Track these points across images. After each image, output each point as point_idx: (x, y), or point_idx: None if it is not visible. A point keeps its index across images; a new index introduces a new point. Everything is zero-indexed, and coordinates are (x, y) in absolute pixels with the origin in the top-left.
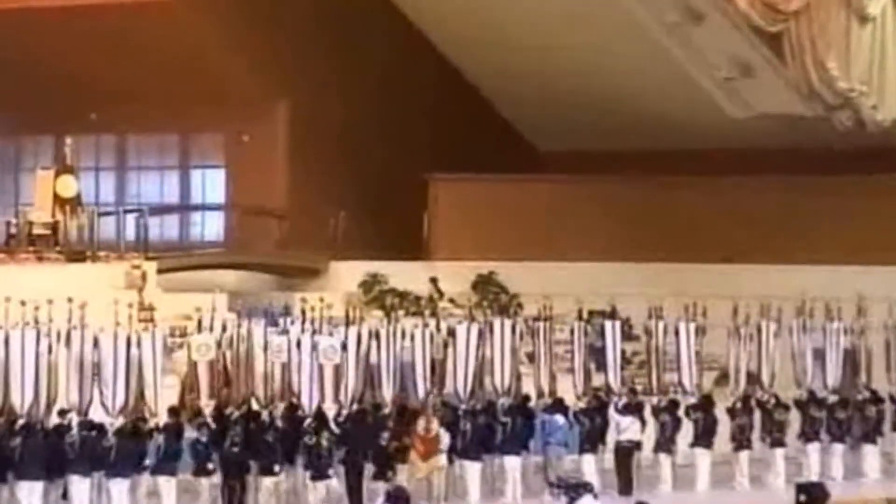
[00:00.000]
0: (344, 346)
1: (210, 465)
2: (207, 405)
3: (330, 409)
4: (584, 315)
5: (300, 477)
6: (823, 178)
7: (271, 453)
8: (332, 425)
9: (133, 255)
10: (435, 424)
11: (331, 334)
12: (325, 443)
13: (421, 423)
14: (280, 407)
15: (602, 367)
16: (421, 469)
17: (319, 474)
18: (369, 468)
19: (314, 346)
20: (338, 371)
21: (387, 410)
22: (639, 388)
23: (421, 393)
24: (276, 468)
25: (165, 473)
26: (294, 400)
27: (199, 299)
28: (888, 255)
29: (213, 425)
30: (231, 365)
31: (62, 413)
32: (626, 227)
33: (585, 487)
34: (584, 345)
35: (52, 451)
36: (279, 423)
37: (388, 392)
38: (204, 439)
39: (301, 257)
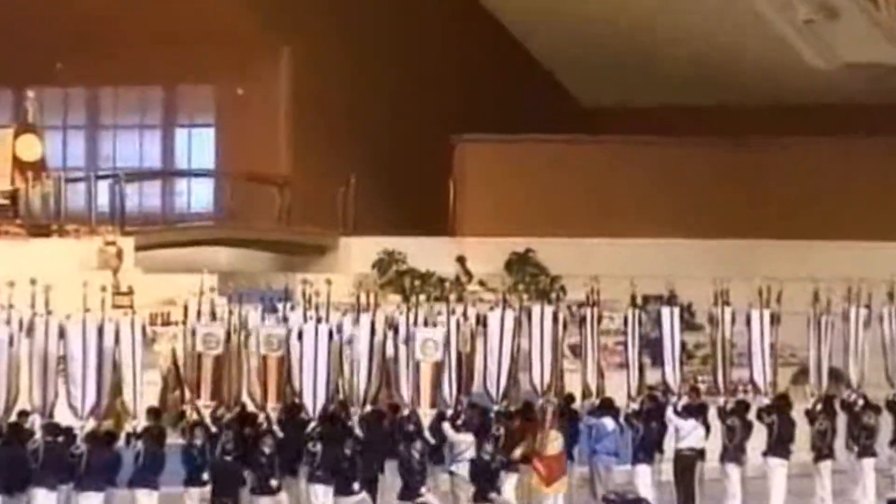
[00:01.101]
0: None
1: (205, 475)
2: (208, 406)
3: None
4: (638, 300)
5: (303, 492)
6: None
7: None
8: (357, 430)
9: (107, 229)
10: (556, 441)
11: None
12: (348, 451)
13: (537, 439)
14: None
15: (659, 361)
16: (545, 494)
17: (345, 489)
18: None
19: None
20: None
21: (406, 412)
22: (702, 386)
23: (445, 392)
24: (274, 483)
25: (145, 486)
26: (296, 400)
27: (184, 281)
28: None
29: (210, 429)
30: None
31: (23, 415)
32: (688, 197)
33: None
34: (637, 336)
35: (11, 460)
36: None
37: (406, 391)
38: (198, 442)
39: (305, 232)
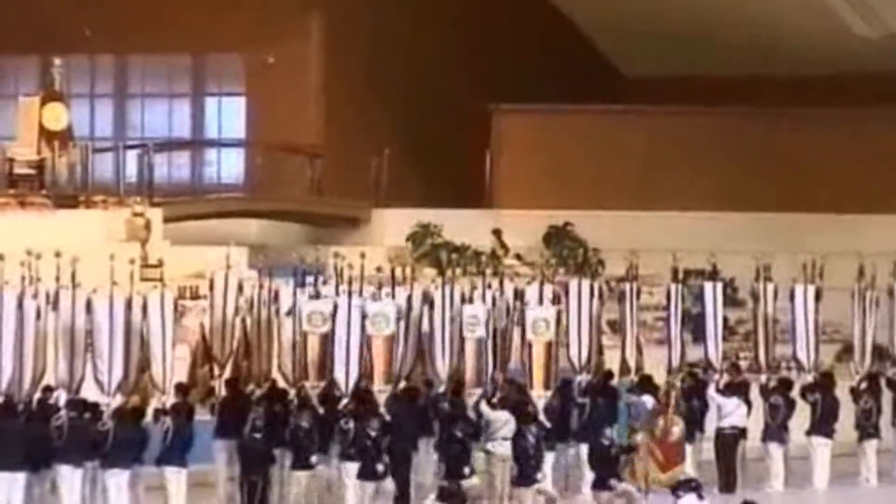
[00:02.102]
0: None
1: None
2: (316, 387)
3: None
4: (679, 275)
5: (335, 470)
6: None
7: (304, 441)
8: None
9: (135, 200)
10: (678, 427)
11: (374, 298)
12: (373, 431)
13: (660, 424)
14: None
15: (700, 338)
16: (660, 482)
17: (366, 471)
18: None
19: (363, 314)
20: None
21: (441, 389)
22: (744, 363)
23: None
24: (314, 459)
25: (173, 464)
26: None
27: (213, 253)
28: None
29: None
30: (251, 333)
31: (48, 391)
32: (731, 170)
33: (689, 484)
34: (678, 311)
35: (35, 436)
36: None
37: (442, 367)
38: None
39: (337, 204)
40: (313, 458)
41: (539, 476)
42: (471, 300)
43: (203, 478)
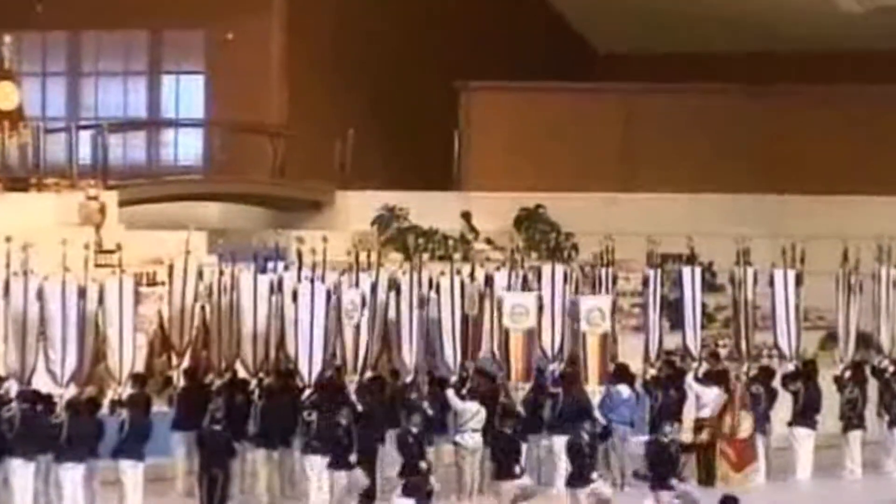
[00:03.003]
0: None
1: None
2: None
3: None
4: (656, 259)
5: (297, 463)
6: None
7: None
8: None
9: (89, 182)
10: (748, 422)
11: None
12: (343, 421)
13: (727, 420)
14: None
15: (678, 325)
16: (733, 482)
17: (338, 461)
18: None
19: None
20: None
21: (408, 379)
22: (723, 351)
23: (449, 357)
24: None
25: (130, 457)
26: (290, 366)
27: (171, 238)
28: None
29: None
30: (211, 321)
31: None
32: (709, 149)
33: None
34: (656, 297)
35: None
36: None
37: (409, 356)
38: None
39: (300, 187)
40: (352, 458)
41: (517, 470)
42: (439, 287)
43: (161, 472)
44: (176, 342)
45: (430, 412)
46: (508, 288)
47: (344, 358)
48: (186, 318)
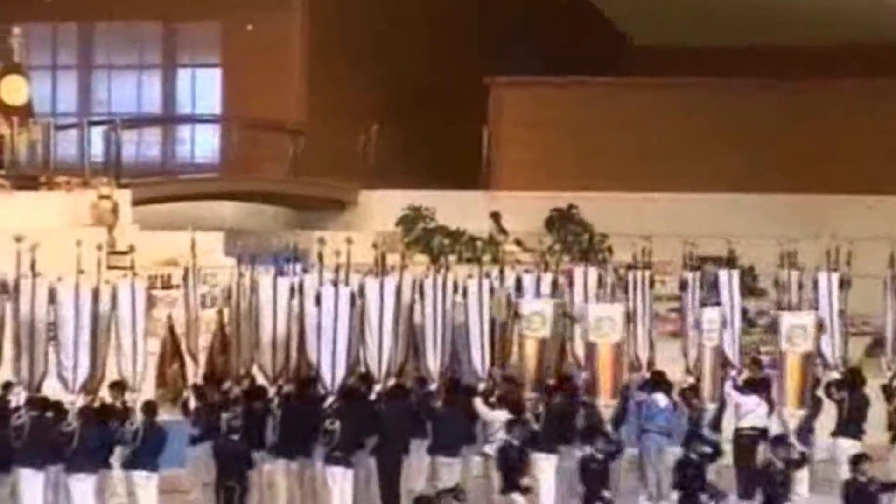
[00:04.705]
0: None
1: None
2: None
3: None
4: (694, 262)
5: (319, 473)
6: None
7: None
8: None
9: (101, 181)
10: None
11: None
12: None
13: None
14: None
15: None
16: None
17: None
18: None
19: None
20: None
21: (433, 387)
22: (765, 358)
23: (477, 364)
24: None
25: (144, 468)
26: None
27: (186, 239)
28: None
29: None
30: (229, 326)
31: (6, 387)
32: (750, 147)
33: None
34: (694, 302)
35: None
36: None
37: (433, 363)
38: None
39: (321, 185)
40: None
41: (526, 481)
42: (466, 291)
43: (175, 482)
44: (192, 348)
45: (534, 425)
46: (537, 292)
47: (367, 364)
48: (198, 323)
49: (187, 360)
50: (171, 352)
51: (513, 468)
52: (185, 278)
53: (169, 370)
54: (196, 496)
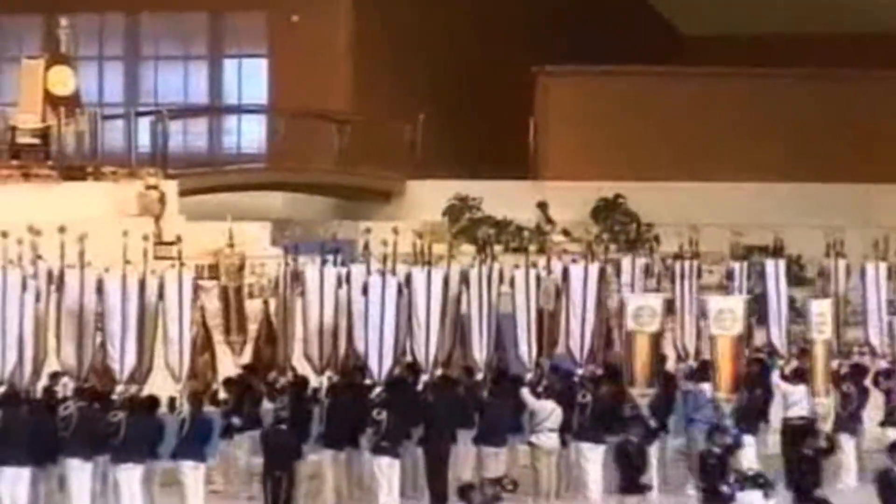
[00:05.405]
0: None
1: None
2: None
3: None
4: (741, 251)
5: (366, 464)
6: None
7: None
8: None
9: (148, 171)
10: None
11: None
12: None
13: None
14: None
15: (763, 320)
16: None
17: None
18: None
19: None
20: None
21: (480, 377)
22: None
23: (524, 354)
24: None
25: (190, 458)
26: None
27: (233, 230)
28: None
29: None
30: (276, 316)
31: (54, 378)
32: (798, 136)
33: (755, 480)
34: (743, 291)
35: (40, 428)
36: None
37: (479, 353)
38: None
39: (368, 175)
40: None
41: (645, 480)
42: (513, 280)
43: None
44: (234, 339)
45: (651, 422)
46: (584, 282)
47: (414, 354)
48: (239, 313)
49: (218, 351)
50: (203, 343)
51: (632, 466)
52: (217, 271)
53: (199, 360)
54: (224, 487)
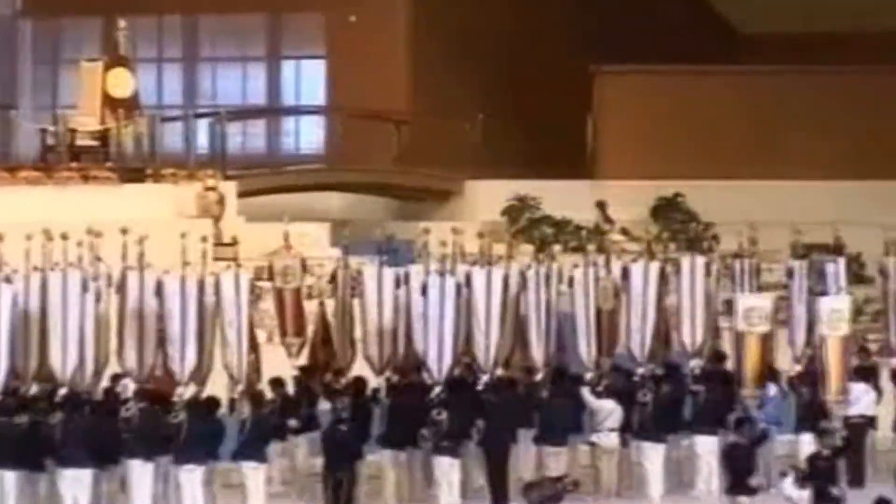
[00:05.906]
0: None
1: None
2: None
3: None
4: (800, 250)
5: (427, 463)
6: None
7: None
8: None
9: (207, 173)
10: None
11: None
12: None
13: None
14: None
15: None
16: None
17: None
18: None
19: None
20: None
21: (539, 377)
22: (873, 346)
23: (584, 353)
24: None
25: (252, 458)
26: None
27: (292, 231)
28: None
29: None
30: (335, 317)
31: (116, 379)
32: (856, 134)
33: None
34: (804, 289)
35: (102, 429)
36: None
37: (538, 352)
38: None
39: (426, 175)
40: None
41: (754, 482)
42: (572, 280)
43: (282, 473)
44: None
45: (761, 425)
46: (644, 281)
47: (474, 354)
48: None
49: (270, 352)
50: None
51: (741, 467)
52: (269, 273)
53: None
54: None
